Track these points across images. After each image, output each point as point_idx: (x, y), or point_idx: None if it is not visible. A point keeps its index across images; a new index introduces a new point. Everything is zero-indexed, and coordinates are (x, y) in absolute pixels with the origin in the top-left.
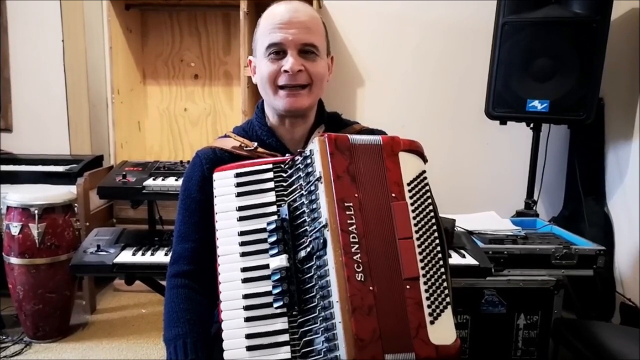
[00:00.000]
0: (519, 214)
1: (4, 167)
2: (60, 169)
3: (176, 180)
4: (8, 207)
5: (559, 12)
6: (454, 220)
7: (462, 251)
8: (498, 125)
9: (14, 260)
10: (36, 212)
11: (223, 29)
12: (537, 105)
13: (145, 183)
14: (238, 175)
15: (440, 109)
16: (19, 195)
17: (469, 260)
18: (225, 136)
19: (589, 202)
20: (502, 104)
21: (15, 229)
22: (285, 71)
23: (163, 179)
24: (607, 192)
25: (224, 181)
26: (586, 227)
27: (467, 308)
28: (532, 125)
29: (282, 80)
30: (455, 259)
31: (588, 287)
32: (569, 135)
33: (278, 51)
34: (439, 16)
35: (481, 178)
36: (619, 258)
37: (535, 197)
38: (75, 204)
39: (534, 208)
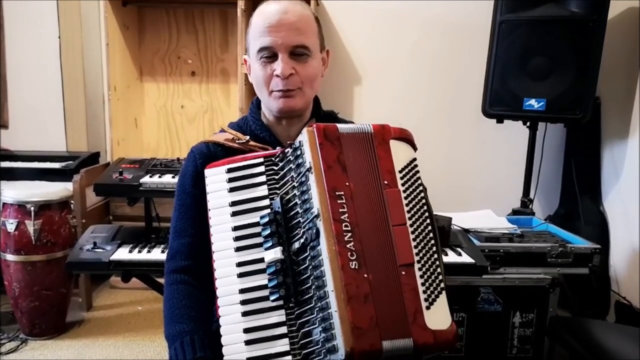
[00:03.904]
0: (515, 212)
1: (1, 164)
2: (56, 165)
3: (173, 177)
4: (4, 204)
5: (556, 10)
6: (450, 219)
7: (459, 249)
8: (495, 123)
9: (9, 257)
10: (32, 208)
11: (220, 26)
12: (534, 103)
13: (142, 180)
14: (229, 170)
15: (437, 107)
16: (15, 191)
17: (465, 258)
18: (222, 131)
19: (585, 200)
20: (498, 103)
21: (11, 225)
22: (277, 75)
23: (160, 176)
24: (602, 190)
25: (215, 177)
26: (582, 225)
27: (463, 306)
28: (528, 123)
29: (274, 85)
30: (451, 257)
31: (583, 285)
32: (565, 133)
33: (269, 54)
34: (436, 14)
35: (478, 176)
36: (614, 256)
37: (532, 196)
38: (72, 201)
39: (530, 206)
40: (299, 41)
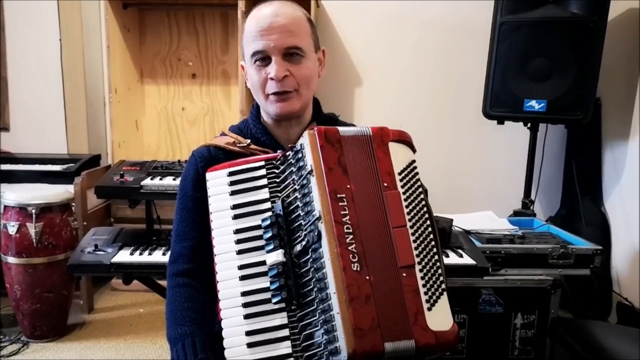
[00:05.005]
0: (516, 213)
1: (2, 166)
2: (57, 168)
3: (174, 179)
4: (5, 207)
5: (556, 12)
6: (451, 220)
7: (460, 251)
8: (496, 125)
9: (11, 259)
10: (33, 211)
11: (221, 28)
12: (535, 105)
13: (143, 182)
14: (231, 174)
15: (438, 109)
16: (16, 194)
17: (467, 259)
18: (222, 134)
19: (586, 201)
20: (499, 104)
21: (12, 228)
22: (272, 78)
23: (161, 179)
24: (604, 191)
25: (217, 180)
26: (583, 226)
27: (465, 307)
28: (529, 125)
29: (270, 88)
30: (452, 259)
31: (585, 286)
32: (566, 135)
33: (263, 58)
34: (436, 16)
35: (479, 178)
36: (615, 257)
37: (533, 197)
38: (73, 204)
39: (531, 207)
40: (291, 43)
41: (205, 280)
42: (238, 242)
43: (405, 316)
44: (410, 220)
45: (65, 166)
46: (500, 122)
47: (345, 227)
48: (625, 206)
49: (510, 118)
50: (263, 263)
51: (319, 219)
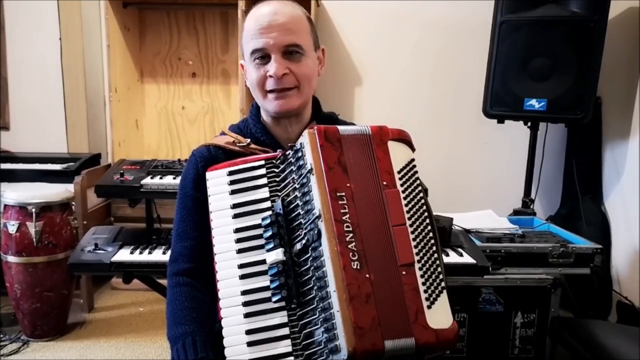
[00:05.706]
0: (516, 212)
1: (2, 165)
2: (57, 167)
3: (174, 178)
4: (5, 206)
5: (556, 11)
6: (451, 219)
7: (460, 250)
8: (496, 124)
9: (11, 258)
10: (33, 210)
11: (221, 28)
12: (535, 104)
13: (143, 182)
14: (231, 173)
15: (438, 108)
16: (16, 193)
17: (467, 258)
18: (222, 134)
19: (586, 200)
20: (499, 103)
21: (12, 227)
22: (271, 76)
23: (161, 178)
24: (604, 190)
25: (217, 180)
26: (583, 225)
27: (465, 306)
28: (529, 124)
29: (269, 85)
30: (452, 258)
31: (585, 285)
32: (567, 134)
33: (263, 56)
34: (436, 15)
35: (479, 177)
36: (615, 256)
37: (533, 196)
38: (73, 203)
39: (532, 206)
40: (291, 40)
41: (205, 279)
42: (238, 241)
43: (406, 314)
44: (409, 218)
45: (65, 165)
46: (501, 121)
47: (345, 225)
48: (625, 205)
49: (511, 117)
50: (263, 262)
51: (318, 217)
